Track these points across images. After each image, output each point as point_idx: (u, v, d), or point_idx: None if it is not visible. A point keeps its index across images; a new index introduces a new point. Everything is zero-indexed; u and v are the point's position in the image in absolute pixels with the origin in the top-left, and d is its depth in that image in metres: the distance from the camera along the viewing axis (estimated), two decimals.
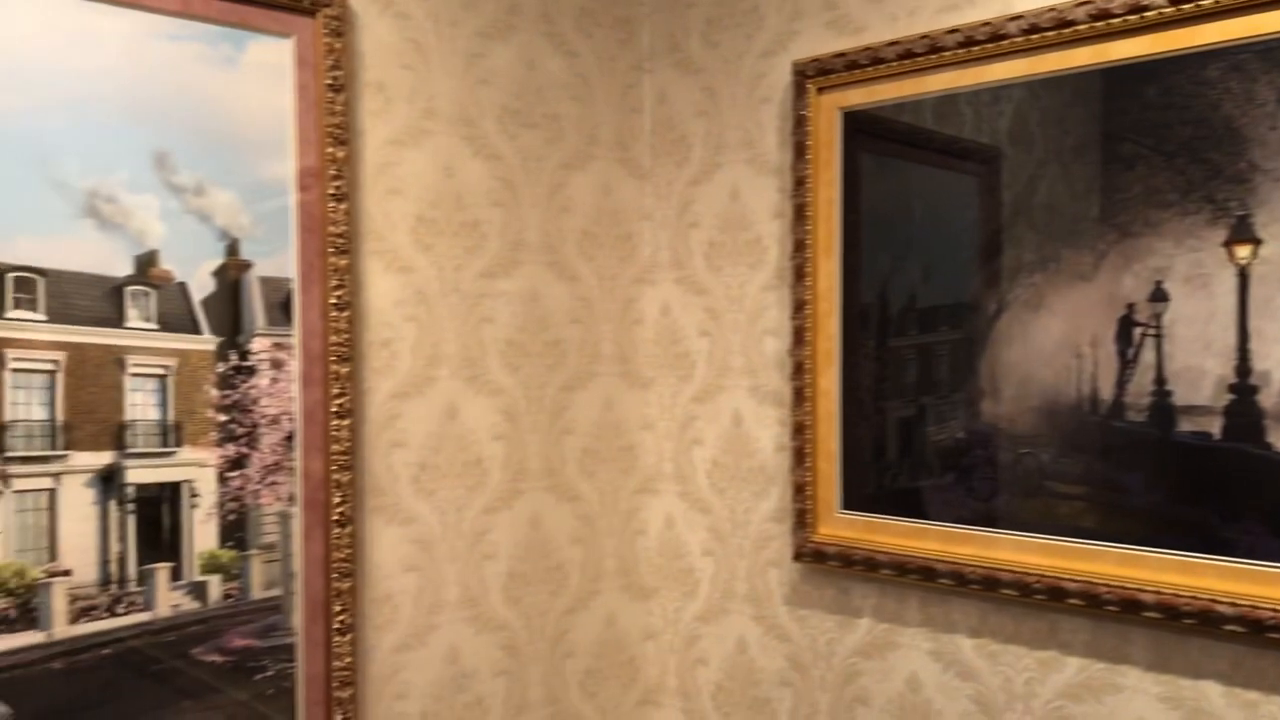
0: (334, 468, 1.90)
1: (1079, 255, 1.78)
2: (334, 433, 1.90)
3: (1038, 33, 1.78)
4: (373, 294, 2.00)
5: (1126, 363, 1.73)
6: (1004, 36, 1.82)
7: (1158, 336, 1.69)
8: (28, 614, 1.59)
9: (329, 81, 1.89)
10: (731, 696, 2.29)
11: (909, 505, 2.00)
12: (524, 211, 2.22)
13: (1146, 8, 1.67)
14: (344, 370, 1.92)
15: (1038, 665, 1.85)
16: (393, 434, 2.03)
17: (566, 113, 2.29)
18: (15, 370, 1.58)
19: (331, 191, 1.90)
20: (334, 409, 1.91)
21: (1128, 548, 1.73)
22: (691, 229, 2.34)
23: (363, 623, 1.97)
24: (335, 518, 1.91)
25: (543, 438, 2.26)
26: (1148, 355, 1.70)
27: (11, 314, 1.57)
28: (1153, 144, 1.70)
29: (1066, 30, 1.75)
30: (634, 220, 2.41)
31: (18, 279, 1.58)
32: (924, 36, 1.91)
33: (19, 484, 1.58)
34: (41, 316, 1.60)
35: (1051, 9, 1.76)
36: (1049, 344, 1.82)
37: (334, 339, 1.91)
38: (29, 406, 1.59)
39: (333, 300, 1.91)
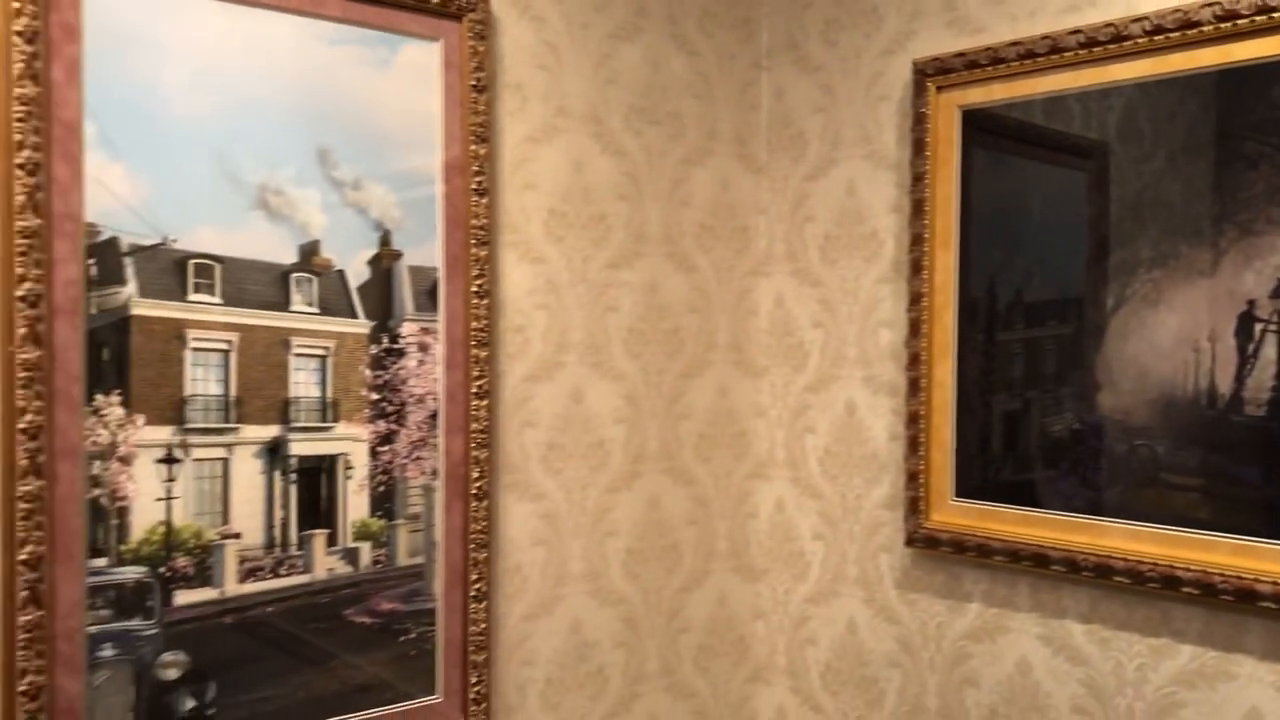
0: (473, 445, 2.03)
1: (1198, 252, 1.82)
2: (473, 412, 2.03)
3: (1161, 33, 1.82)
4: (508, 283, 2.11)
5: (1246, 358, 1.76)
6: (1127, 38, 1.86)
7: (1279, 332, 1.73)
8: (204, 572, 1.74)
9: (472, 82, 2.01)
10: (840, 676, 2.37)
11: (1021, 494, 2.06)
12: (646, 205, 2.32)
13: (1275, 9, 1.70)
14: (483, 354, 2.04)
15: (1149, 652, 1.89)
16: (525, 415, 2.14)
17: (688, 110, 2.38)
18: (195, 349, 1.73)
19: (474, 186, 2.02)
20: (473, 390, 2.03)
21: (1244, 539, 1.77)
22: (807, 222, 2.41)
23: (495, 591, 2.10)
24: (473, 492, 2.03)
25: (661, 422, 2.36)
26: (1268, 351, 1.74)
27: (192, 297, 1.72)
28: (1278, 143, 1.72)
29: (1191, 31, 1.78)
30: (750, 214, 2.50)
31: (198, 265, 1.72)
32: (1045, 37, 1.96)
33: (197, 453, 1.73)
34: (218, 300, 1.74)
35: (1176, 10, 1.80)
36: (1166, 339, 1.86)
37: (474, 325, 2.03)
38: (206, 382, 1.74)
39: (473, 288, 2.03)
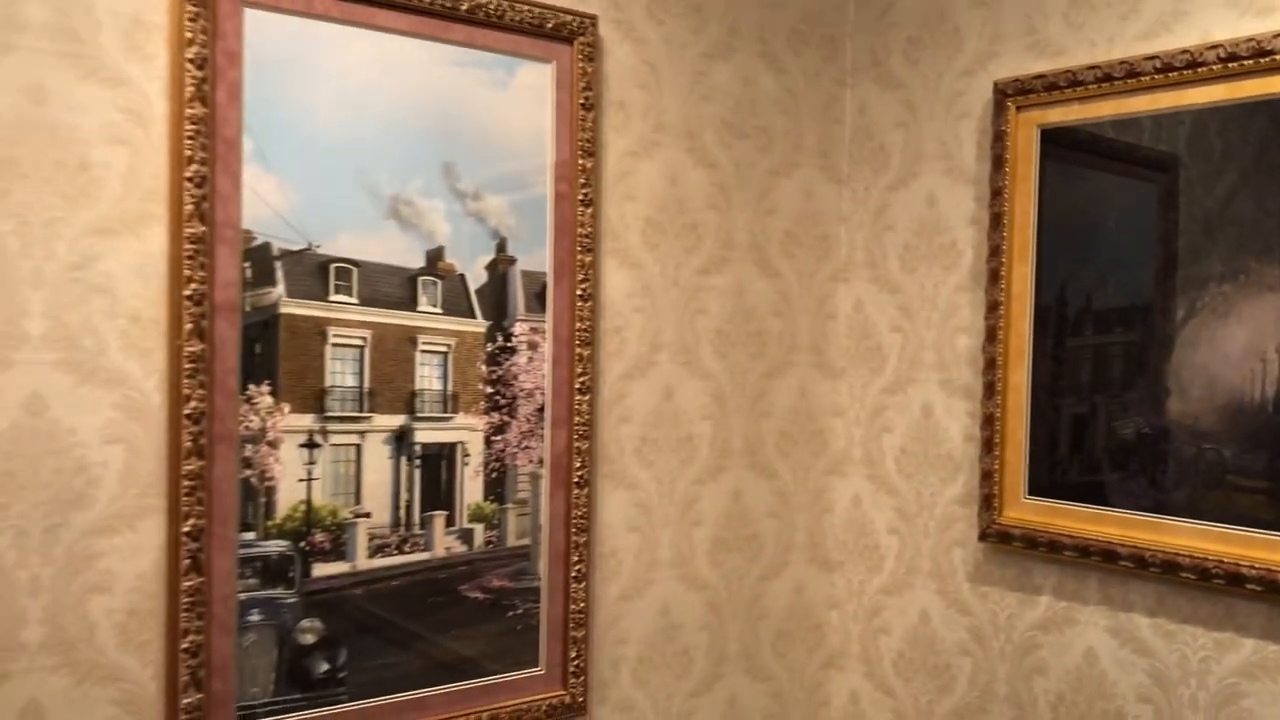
0: (575, 437, 2.19)
1: (1268, 268, 1.92)
2: (576, 407, 2.19)
3: (1235, 60, 1.92)
4: (609, 287, 2.27)
5: None
6: (1201, 64, 1.96)
7: None
8: (338, 547, 1.91)
9: (581, 101, 2.17)
10: (912, 663, 2.50)
11: (1090, 493, 2.17)
12: (735, 214, 2.47)
13: None
14: (585, 353, 2.20)
15: (1214, 645, 2.00)
16: (621, 410, 2.30)
17: (775, 124, 2.52)
18: (334, 344, 1.90)
19: (580, 197, 2.18)
20: (576, 386, 2.19)
21: None
22: (887, 232, 2.54)
23: (593, 573, 2.25)
24: (575, 480, 2.19)
25: (744, 419, 2.51)
26: None
27: (333, 297, 1.90)
28: None
29: (1264, 60, 1.89)
30: (832, 222, 2.63)
31: (338, 269, 1.90)
32: (1123, 62, 2.07)
33: (334, 439, 1.91)
34: (355, 300, 1.92)
35: (1250, 39, 1.90)
36: (1235, 349, 1.96)
37: (578, 325, 2.19)
38: (343, 375, 1.91)
39: (578, 292, 2.18)
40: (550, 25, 2.11)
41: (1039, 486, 2.25)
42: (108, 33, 1.69)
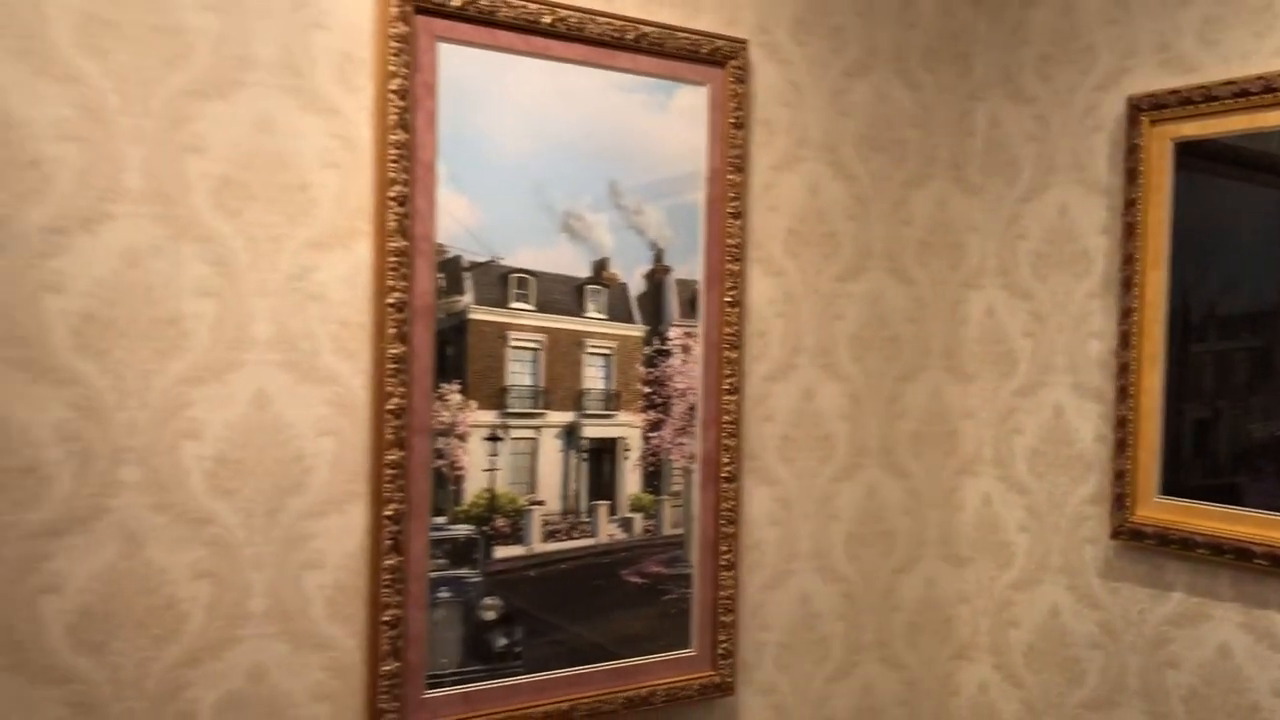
0: (723, 435, 2.34)
1: None
2: (724, 406, 2.34)
3: None
4: (754, 294, 2.42)
5: None
6: None
7: None
8: (516, 532, 2.09)
9: (731, 120, 2.32)
10: (1042, 656, 2.59)
11: (1223, 493, 2.25)
12: (871, 224, 2.59)
13: None
14: (733, 356, 2.35)
15: None
16: (764, 409, 2.44)
17: (910, 137, 2.64)
18: (513, 347, 2.09)
19: (730, 210, 2.33)
20: (724, 387, 2.34)
21: None
22: (1019, 240, 2.64)
23: (739, 563, 2.40)
24: (723, 475, 2.34)
25: (879, 420, 2.63)
26: None
27: (513, 305, 2.08)
28: None
29: None
30: (964, 232, 2.74)
31: (517, 279, 2.08)
32: (1260, 77, 2.15)
33: (514, 433, 2.09)
34: (532, 307, 2.10)
35: None
36: None
37: (726, 330, 2.34)
38: (521, 375, 2.10)
39: (726, 299, 2.34)
40: (705, 51, 2.27)
41: (1170, 486, 2.33)
42: (323, 68, 1.90)
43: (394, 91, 1.93)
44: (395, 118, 1.93)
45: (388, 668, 1.95)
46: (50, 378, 1.69)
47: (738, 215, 2.34)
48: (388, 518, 1.94)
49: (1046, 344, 2.58)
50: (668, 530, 2.29)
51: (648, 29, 2.19)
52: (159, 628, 1.78)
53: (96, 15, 1.71)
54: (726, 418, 2.35)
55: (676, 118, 2.26)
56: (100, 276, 1.72)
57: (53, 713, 1.70)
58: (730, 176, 2.33)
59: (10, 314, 1.66)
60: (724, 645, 2.35)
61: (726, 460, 2.35)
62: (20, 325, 1.67)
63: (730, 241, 2.34)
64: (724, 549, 2.35)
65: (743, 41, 2.32)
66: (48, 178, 1.68)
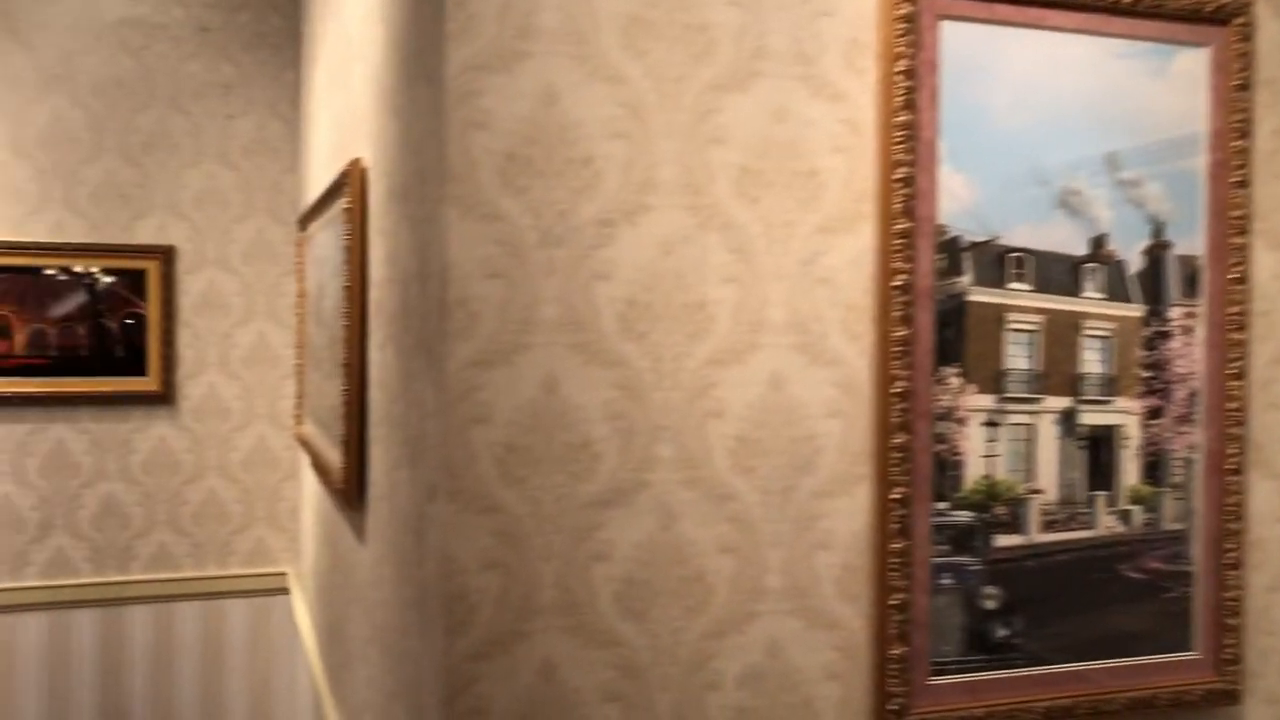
0: (1228, 424, 2.16)
1: None
2: (1229, 392, 2.16)
3: None
4: (1256, 268, 2.22)
5: None
6: None
7: None
8: (1015, 520, 2.03)
9: (1236, 82, 2.14)
10: None
11: None
12: None
13: None
14: (1238, 338, 2.17)
15: None
16: (1270, 396, 2.23)
17: None
18: (1011, 330, 2.02)
19: (1234, 180, 2.15)
20: (1229, 371, 2.16)
21: None
22: None
23: (1245, 562, 2.21)
24: (1228, 467, 2.16)
25: None
26: None
27: (1010, 285, 2.02)
28: None
29: None
30: None
31: (1015, 258, 2.02)
32: None
33: (1011, 419, 2.03)
34: (1029, 288, 2.03)
35: None
36: None
37: (1230, 310, 2.16)
38: (1018, 359, 2.03)
39: (1230, 275, 2.16)
40: (1209, 9, 2.10)
41: None
42: (830, 54, 1.92)
43: (900, 72, 1.92)
44: (900, 99, 1.92)
45: (895, 651, 1.94)
46: (601, 359, 1.81)
47: (1243, 184, 2.16)
48: (895, 501, 1.94)
49: None
50: (1167, 524, 2.14)
51: None
52: (690, 599, 1.87)
53: (639, 16, 1.81)
54: (1231, 405, 2.17)
55: (1175, 84, 2.11)
56: (640, 265, 1.82)
57: (603, 675, 1.82)
58: (1234, 143, 2.15)
59: (569, 301, 1.79)
60: (1230, 650, 2.17)
61: (1231, 451, 2.17)
62: (577, 311, 1.79)
63: (1234, 214, 2.16)
64: (1229, 547, 2.17)
65: None
66: (598, 174, 1.80)
